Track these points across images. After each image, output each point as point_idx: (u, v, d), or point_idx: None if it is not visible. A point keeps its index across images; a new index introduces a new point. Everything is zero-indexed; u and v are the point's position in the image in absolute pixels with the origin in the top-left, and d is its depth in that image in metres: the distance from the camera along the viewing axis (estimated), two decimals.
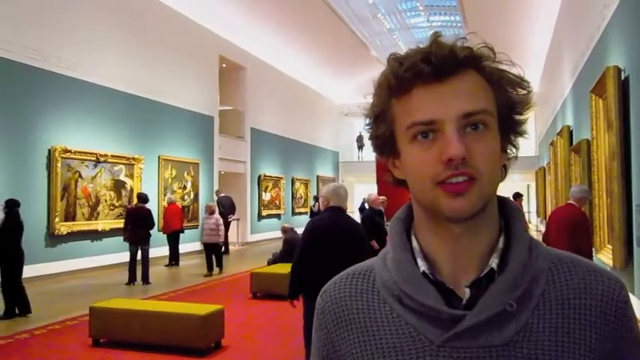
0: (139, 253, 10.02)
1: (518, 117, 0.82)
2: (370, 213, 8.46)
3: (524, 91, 0.81)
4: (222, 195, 16.27)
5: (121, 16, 12.81)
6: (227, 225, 16.13)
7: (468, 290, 0.77)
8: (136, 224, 9.98)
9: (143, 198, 10.46)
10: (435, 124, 0.75)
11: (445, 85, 0.76)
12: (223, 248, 15.72)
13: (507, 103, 0.80)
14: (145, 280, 10.00)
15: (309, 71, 23.71)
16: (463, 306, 0.77)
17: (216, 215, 11.46)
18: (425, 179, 0.76)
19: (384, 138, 0.83)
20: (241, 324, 6.91)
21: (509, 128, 0.82)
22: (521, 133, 0.83)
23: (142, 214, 10.07)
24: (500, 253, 0.79)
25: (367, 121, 0.86)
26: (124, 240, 10.27)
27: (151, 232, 10.28)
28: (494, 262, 0.78)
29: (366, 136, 0.89)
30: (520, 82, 0.81)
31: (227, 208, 16.04)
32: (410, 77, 0.76)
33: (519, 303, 0.76)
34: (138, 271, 10.01)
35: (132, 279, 9.97)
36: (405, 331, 0.79)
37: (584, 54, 9.67)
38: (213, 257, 11.42)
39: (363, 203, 9.04)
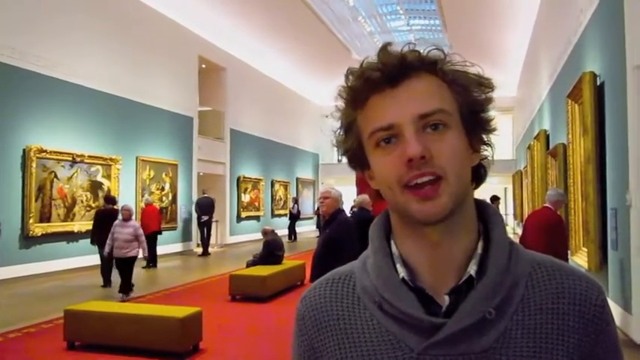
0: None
1: (483, 115, 0.82)
2: (368, 215, 8.28)
3: (485, 89, 0.81)
4: (203, 195, 16.15)
5: (99, 15, 12.64)
6: (209, 226, 15.97)
7: (447, 297, 0.78)
8: (105, 226, 9.77)
9: (111, 199, 10.36)
10: (394, 128, 0.76)
11: (398, 90, 0.77)
12: (202, 252, 15.64)
13: (468, 101, 0.80)
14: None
15: (290, 73, 23.70)
16: (443, 313, 0.77)
17: (134, 222, 8.85)
18: (392, 183, 0.77)
19: (353, 150, 0.84)
20: (220, 327, 6.86)
21: (476, 126, 0.82)
22: (490, 131, 0.83)
23: (111, 216, 9.87)
24: (478, 258, 0.79)
25: (337, 137, 0.87)
26: (92, 242, 10.11)
27: None
28: (472, 269, 0.78)
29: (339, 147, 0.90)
30: (479, 80, 0.81)
31: (203, 209, 15.90)
32: (362, 86, 0.79)
33: (498, 310, 0.76)
34: (115, 273, 9.83)
35: (107, 282, 9.81)
36: (385, 338, 0.79)
37: (560, 59, 9.82)
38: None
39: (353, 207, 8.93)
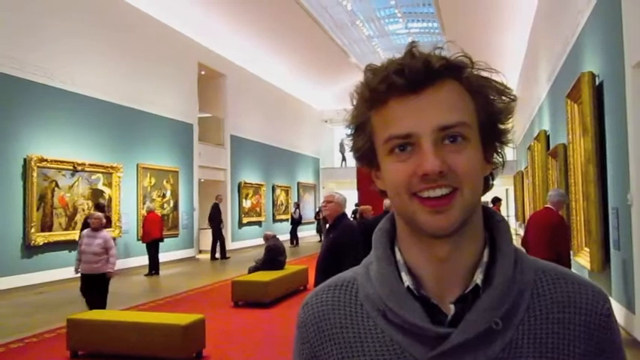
0: None
1: (501, 126, 0.80)
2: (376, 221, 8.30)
3: (507, 99, 0.80)
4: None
5: (98, 23, 12.67)
6: (213, 232, 16.08)
7: (453, 306, 0.77)
8: None
9: (101, 207, 10.30)
10: (412, 137, 0.74)
11: (421, 97, 0.74)
12: (216, 256, 15.62)
13: (489, 112, 0.78)
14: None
15: (289, 78, 23.72)
16: (448, 322, 0.76)
17: (104, 233, 7.18)
18: (402, 192, 0.75)
19: (364, 150, 0.82)
20: (223, 333, 6.84)
21: (493, 137, 0.80)
22: (505, 142, 0.82)
23: None
24: (484, 267, 0.78)
25: (348, 132, 0.85)
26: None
27: None
28: (478, 278, 0.77)
29: (347, 143, 0.88)
30: (503, 90, 0.79)
31: (210, 215, 16.05)
32: (384, 90, 0.76)
33: (505, 320, 0.75)
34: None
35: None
36: (390, 347, 0.78)
37: (559, 59, 9.83)
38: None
39: (354, 211, 8.89)
